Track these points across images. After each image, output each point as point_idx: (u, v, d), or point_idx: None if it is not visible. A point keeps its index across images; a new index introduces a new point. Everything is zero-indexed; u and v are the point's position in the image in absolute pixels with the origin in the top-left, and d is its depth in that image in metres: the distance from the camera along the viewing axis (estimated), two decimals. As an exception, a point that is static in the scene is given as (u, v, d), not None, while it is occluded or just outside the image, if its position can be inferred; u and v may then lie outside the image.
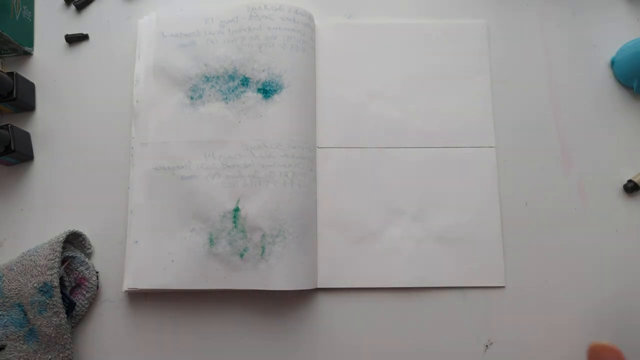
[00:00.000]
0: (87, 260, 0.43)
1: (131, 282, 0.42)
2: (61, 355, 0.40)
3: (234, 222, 0.42)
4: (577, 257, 0.44)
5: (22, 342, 0.40)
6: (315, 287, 0.43)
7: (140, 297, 0.43)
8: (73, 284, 0.42)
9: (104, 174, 0.45)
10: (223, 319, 0.43)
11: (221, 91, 0.44)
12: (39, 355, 0.39)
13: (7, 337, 0.40)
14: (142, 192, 0.43)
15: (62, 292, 0.40)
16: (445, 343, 0.43)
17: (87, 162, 0.46)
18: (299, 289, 0.41)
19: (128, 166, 0.45)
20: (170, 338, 0.43)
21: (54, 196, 0.45)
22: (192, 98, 0.45)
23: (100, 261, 0.44)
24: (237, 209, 0.42)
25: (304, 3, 0.48)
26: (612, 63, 0.48)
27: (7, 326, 0.40)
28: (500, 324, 0.43)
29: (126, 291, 0.42)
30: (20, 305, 0.40)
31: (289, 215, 0.42)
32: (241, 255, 0.42)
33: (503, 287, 0.44)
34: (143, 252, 0.42)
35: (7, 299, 0.40)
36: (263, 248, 0.41)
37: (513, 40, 0.49)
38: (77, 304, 0.41)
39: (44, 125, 0.46)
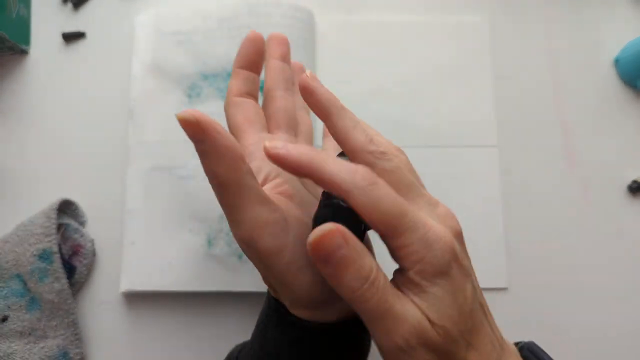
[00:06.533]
0: (81, 227, 0.43)
1: (128, 283, 0.41)
2: (66, 320, 0.40)
3: (233, 222, 0.41)
4: (581, 259, 0.44)
5: (24, 311, 0.40)
6: (315, 289, 0.42)
7: (137, 299, 0.43)
8: (70, 252, 0.42)
9: (100, 173, 0.45)
10: (221, 321, 0.42)
11: (219, 89, 0.44)
12: (43, 322, 0.40)
13: (8, 307, 0.40)
14: (139, 192, 0.43)
15: (61, 258, 0.40)
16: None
17: (83, 161, 0.45)
18: (298, 290, 0.41)
19: (125, 165, 0.44)
20: (168, 340, 0.42)
21: (49, 196, 0.44)
22: (190, 96, 0.44)
23: (98, 262, 0.43)
24: (235, 210, 0.42)
25: (304, 0, 0.47)
26: (616, 61, 0.48)
27: (8, 297, 0.40)
28: (503, 326, 0.42)
29: (123, 293, 0.42)
30: (19, 276, 0.40)
31: (289, 216, 0.41)
32: (240, 257, 0.41)
33: (506, 288, 0.43)
34: (140, 254, 0.42)
35: (5, 271, 0.40)
36: (262, 249, 0.41)
37: (516, 38, 0.48)
38: (77, 269, 0.42)
39: (40, 124, 0.46)
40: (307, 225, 0.25)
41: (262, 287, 0.40)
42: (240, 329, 0.42)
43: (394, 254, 0.23)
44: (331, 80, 0.46)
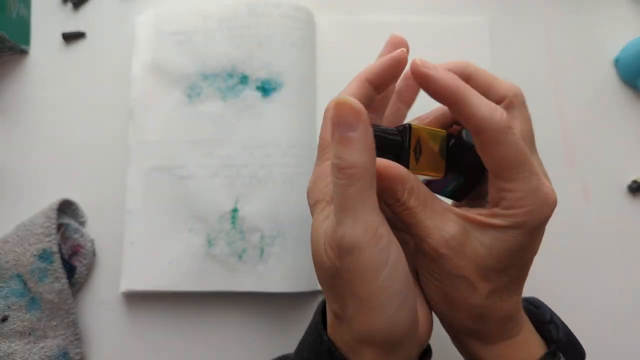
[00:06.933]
0: (81, 227, 0.43)
1: (128, 283, 0.41)
2: (66, 320, 0.40)
3: (233, 222, 0.41)
4: (580, 258, 0.44)
5: (24, 311, 0.40)
6: (314, 289, 0.42)
7: (137, 299, 0.43)
8: (70, 252, 0.42)
9: (100, 173, 0.45)
10: (221, 321, 0.42)
11: (219, 89, 0.44)
12: (43, 322, 0.40)
13: (8, 307, 0.40)
14: (139, 192, 0.43)
15: (61, 258, 0.40)
16: (447, 344, 0.42)
17: (83, 161, 0.45)
18: (298, 291, 0.41)
19: (125, 165, 0.44)
20: (168, 340, 0.42)
21: (49, 196, 0.44)
22: (190, 96, 0.44)
23: (98, 262, 0.43)
24: (235, 210, 0.42)
25: (304, 0, 0.47)
26: (616, 61, 0.48)
27: (8, 297, 0.40)
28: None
29: (123, 293, 0.42)
30: (19, 276, 0.40)
31: (288, 216, 0.41)
32: (240, 257, 0.41)
33: (506, 288, 0.43)
34: (140, 253, 0.42)
35: (6, 271, 0.40)
36: (262, 249, 0.41)
37: (516, 38, 0.48)
38: (77, 269, 0.42)
39: (40, 124, 0.46)
40: (401, 249, 0.24)
41: (262, 287, 0.40)
42: (240, 329, 0.42)
43: (499, 194, 0.24)
44: (331, 80, 0.46)
